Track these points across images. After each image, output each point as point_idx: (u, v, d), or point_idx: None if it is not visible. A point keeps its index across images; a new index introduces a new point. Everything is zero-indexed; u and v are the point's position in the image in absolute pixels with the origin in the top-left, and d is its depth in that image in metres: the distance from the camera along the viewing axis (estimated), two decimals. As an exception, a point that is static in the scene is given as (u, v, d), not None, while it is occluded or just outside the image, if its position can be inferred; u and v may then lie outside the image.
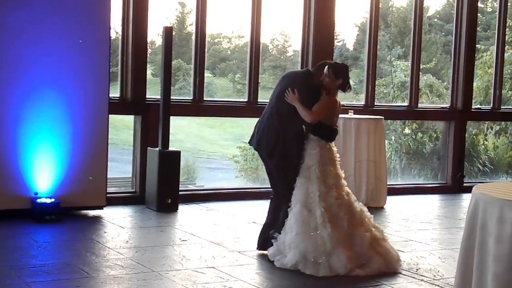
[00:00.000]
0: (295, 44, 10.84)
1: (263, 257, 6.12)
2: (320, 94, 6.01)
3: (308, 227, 5.79)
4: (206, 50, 9.17)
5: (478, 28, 11.17)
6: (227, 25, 11.40)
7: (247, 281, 5.47)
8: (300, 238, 5.77)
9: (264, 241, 6.20)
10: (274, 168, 6.12)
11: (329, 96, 6.02)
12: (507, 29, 11.62)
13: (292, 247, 5.80)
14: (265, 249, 6.12)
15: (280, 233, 5.97)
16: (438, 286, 5.52)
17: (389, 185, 9.49)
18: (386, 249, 5.97)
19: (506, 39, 11.69)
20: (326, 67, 6.03)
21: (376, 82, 10.51)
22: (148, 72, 9.09)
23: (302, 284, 5.48)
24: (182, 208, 8.30)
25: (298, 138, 6.00)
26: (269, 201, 6.38)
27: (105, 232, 7.02)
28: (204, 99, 9.12)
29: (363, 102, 10.23)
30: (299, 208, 5.85)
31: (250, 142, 6.35)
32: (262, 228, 6.32)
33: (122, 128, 11.43)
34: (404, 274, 5.81)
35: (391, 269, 5.85)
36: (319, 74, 6.04)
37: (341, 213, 5.88)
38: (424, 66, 11.86)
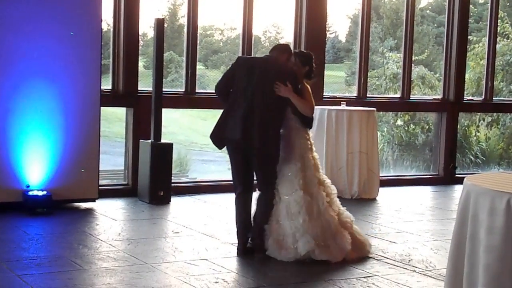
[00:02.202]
0: (288, 36, 10.82)
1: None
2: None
3: (312, 213, 5.85)
4: (198, 42, 9.14)
5: (470, 20, 11.17)
6: (219, 17, 11.37)
7: (240, 273, 5.48)
8: (308, 224, 5.80)
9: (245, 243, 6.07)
10: (266, 158, 5.92)
11: (304, 84, 6.06)
12: (499, 21, 11.63)
13: (299, 235, 5.80)
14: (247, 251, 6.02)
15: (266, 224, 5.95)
16: (430, 277, 5.54)
17: (381, 176, 9.50)
18: (357, 233, 6.18)
19: (498, 31, 11.71)
20: (293, 56, 6.09)
21: (368, 74, 10.52)
22: (140, 64, 9.07)
23: (295, 275, 5.48)
24: (175, 201, 8.29)
25: (280, 126, 5.97)
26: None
27: (97, 225, 7.01)
28: (196, 91, 9.11)
29: (355, 94, 10.23)
30: (302, 195, 5.86)
31: (229, 135, 5.87)
32: (241, 230, 6.04)
33: (114, 121, 11.39)
34: (396, 265, 5.82)
35: (364, 253, 6.09)
36: (283, 61, 6.05)
37: (334, 197, 6.11)
38: (416, 57, 11.86)
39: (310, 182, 5.95)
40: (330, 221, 5.89)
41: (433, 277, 5.52)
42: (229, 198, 8.55)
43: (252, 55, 9.08)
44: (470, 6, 11.02)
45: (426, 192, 10.08)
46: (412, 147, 12.19)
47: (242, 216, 6.03)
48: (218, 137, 5.96)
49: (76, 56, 7.58)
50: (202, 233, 6.74)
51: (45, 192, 7.40)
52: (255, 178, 6.10)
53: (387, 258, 6.06)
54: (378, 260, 5.98)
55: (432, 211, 8.62)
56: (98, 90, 7.77)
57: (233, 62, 6.07)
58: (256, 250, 5.96)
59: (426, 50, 13.03)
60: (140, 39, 8.81)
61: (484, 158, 12.85)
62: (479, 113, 12.57)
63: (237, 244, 6.06)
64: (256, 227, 5.99)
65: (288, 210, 5.88)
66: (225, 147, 6.04)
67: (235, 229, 6.09)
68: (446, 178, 10.69)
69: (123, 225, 7.06)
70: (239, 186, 6.02)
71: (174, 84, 10.88)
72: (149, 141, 8.22)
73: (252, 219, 6.05)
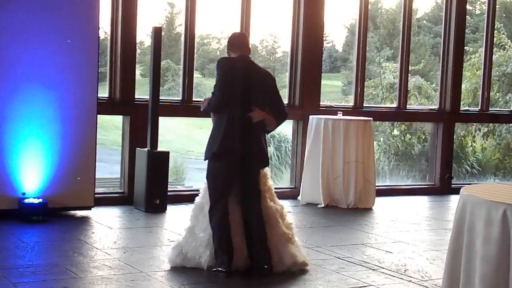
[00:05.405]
0: (284, 45, 10.87)
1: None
2: None
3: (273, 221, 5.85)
4: (195, 50, 9.16)
5: (466, 30, 11.21)
6: (216, 26, 11.40)
7: (235, 282, 5.46)
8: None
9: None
10: (263, 168, 5.83)
11: None
12: (495, 31, 11.67)
13: (283, 249, 5.78)
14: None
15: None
16: (426, 287, 5.53)
17: (377, 186, 9.49)
18: None
19: (494, 41, 11.74)
20: None
21: (365, 84, 10.53)
22: (137, 72, 9.07)
23: (290, 284, 5.47)
24: (171, 209, 8.28)
25: None
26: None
27: (93, 233, 7.00)
28: (193, 99, 9.10)
29: (352, 104, 10.24)
30: (274, 205, 5.86)
31: (227, 151, 5.60)
32: (229, 245, 5.60)
33: (111, 129, 11.40)
34: (392, 275, 5.82)
35: None
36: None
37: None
38: (412, 67, 11.89)
39: (269, 190, 5.87)
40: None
41: None
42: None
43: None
44: (467, 17, 11.06)
45: (422, 202, 10.08)
46: (408, 157, 12.21)
47: (228, 230, 5.60)
48: (223, 153, 5.61)
49: (73, 63, 7.58)
50: (198, 242, 6.72)
51: (41, 200, 7.38)
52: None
53: (383, 268, 6.05)
54: (374, 270, 5.97)
55: (428, 221, 8.62)
56: (95, 98, 7.77)
57: (224, 68, 5.71)
58: (264, 264, 5.61)
59: (422, 60, 13.06)
60: (137, 47, 8.82)
61: (480, 169, 12.87)
62: (475, 124, 12.59)
63: (223, 265, 5.53)
64: (259, 240, 5.62)
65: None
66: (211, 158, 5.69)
67: (219, 248, 5.58)
68: (442, 188, 10.70)
69: (119, 233, 7.05)
70: (227, 198, 5.63)
71: (171, 93, 10.89)
72: (146, 149, 8.21)
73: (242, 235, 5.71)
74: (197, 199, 5.86)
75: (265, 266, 5.60)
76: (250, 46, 5.94)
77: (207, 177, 5.72)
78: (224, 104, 5.66)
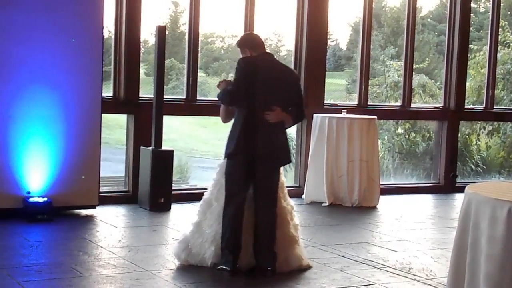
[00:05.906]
0: (288, 44, 10.85)
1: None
2: None
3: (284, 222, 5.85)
4: (199, 49, 9.15)
5: (471, 28, 11.19)
6: (220, 25, 11.40)
7: (241, 281, 5.46)
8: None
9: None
10: (274, 174, 5.74)
11: None
12: (499, 29, 11.65)
13: (289, 251, 5.78)
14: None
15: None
16: (431, 285, 5.53)
17: (382, 185, 9.49)
18: None
19: (499, 39, 11.72)
20: None
21: (369, 82, 10.52)
22: (141, 71, 9.09)
23: (295, 283, 5.47)
24: (175, 208, 8.28)
25: None
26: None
27: (98, 232, 7.01)
28: (197, 98, 9.11)
29: (356, 102, 10.23)
30: (286, 205, 5.86)
31: (242, 151, 5.57)
32: (237, 244, 5.59)
33: (115, 127, 11.41)
34: (397, 274, 5.81)
35: None
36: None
37: None
38: (417, 66, 11.88)
39: (282, 187, 5.83)
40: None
41: (434, 286, 5.51)
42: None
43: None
44: (471, 14, 11.04)
45: (427, 200, 10.07)
46: (413, 156, 12.20)
47: (238, 230, 5.57)
48: (238, 153, 5.57)
49: (78, 62, 7.59)
50: (203, 241, 6.72)
51: (45, 199, 7.39)
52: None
53: (388, 266, 6.05)
54: (378, 268, 5.97)
55: (432, 219, 8.61)
56: (99, 97, 7.77)
57: (241, 67, 5.66)
58: (267, 265, 5.57)
59: (427, 59, 13.05)
60: (141, 46, 8.82)
61: (485, 167, 12.86)
62: (479, 122, 12.58)
63: (228, 263, 5.52)
64: (266, 242, 5.58)
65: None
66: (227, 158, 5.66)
67: (226, 247, 5.57)
68: (447, 186, 10.68)
69: (124, 232, 7.06)
70: (244, 197, 5.61)
71: (175, 91, 10.90)
72: (150, 148, 8.22)
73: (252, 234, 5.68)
74: (205, 195, 5.87)
75: (269, 268, 5.58)
76: (260, 42, 5.89)
77: (225, 174, 5.68)
78: (236, 100, 5.64)
